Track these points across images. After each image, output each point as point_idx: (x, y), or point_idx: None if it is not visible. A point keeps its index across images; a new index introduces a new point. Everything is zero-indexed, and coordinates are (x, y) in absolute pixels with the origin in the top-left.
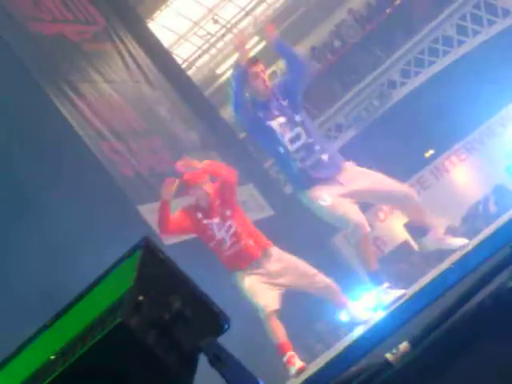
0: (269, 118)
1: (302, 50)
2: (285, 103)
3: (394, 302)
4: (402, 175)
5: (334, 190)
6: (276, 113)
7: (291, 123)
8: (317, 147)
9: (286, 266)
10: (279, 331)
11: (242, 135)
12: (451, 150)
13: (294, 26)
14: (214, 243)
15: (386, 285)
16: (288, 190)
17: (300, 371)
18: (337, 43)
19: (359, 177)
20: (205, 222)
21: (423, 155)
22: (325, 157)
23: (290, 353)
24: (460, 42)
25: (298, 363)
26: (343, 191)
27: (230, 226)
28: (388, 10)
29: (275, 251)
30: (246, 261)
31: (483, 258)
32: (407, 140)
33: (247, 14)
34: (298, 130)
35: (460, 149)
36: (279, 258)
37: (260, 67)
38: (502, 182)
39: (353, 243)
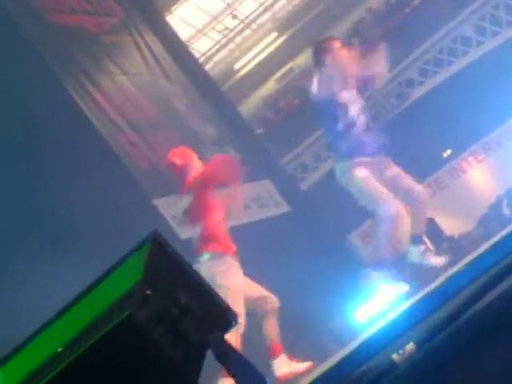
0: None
1: None
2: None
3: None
4: (419, 174)
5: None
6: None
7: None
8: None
9: None
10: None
11: (259, 131)
12: (468, 150)
13: (313, 23)
14: None
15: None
16: (304, 186)
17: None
18: (355, 41)
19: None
20: None
21: (441, 155)
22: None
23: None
24: (479, 43)
25: None
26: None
27: None
28: (407, 10)
29: None
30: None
31: (494, 261)
32: (425, 139)
33: (266, 10)
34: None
35: (477, 149)
36: None
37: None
38: None
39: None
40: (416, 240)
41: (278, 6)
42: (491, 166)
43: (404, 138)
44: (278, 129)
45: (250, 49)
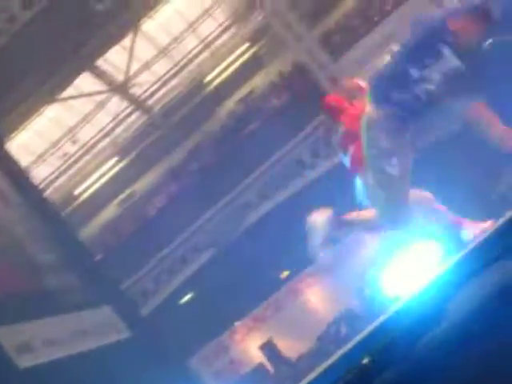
0: None
1: (159, 171)
2: None
3: None
4: (258, 295)
5: None
6: None
7: None
8: None
9: None
10: None
11: (99, 256)
12: (305, 271)
13: (152, 148)
14: None
15: None
16: (146, 310)
17: None
18: (194, 165)
19: None
20: None
21: (279, 276)
22: None
23: None
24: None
25: None
26: None
27: None
28: (244, 132)
29: None
30: None
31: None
32: (263, 260)
33: (106, 135)
34: None
35: (313, 271)
36: None
37: None
38: (351, 306)
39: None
40: None
41: (117, 131)
42: (327, 287)
43: (244, 258)
44: (119, 253)
45: (90, 174)
